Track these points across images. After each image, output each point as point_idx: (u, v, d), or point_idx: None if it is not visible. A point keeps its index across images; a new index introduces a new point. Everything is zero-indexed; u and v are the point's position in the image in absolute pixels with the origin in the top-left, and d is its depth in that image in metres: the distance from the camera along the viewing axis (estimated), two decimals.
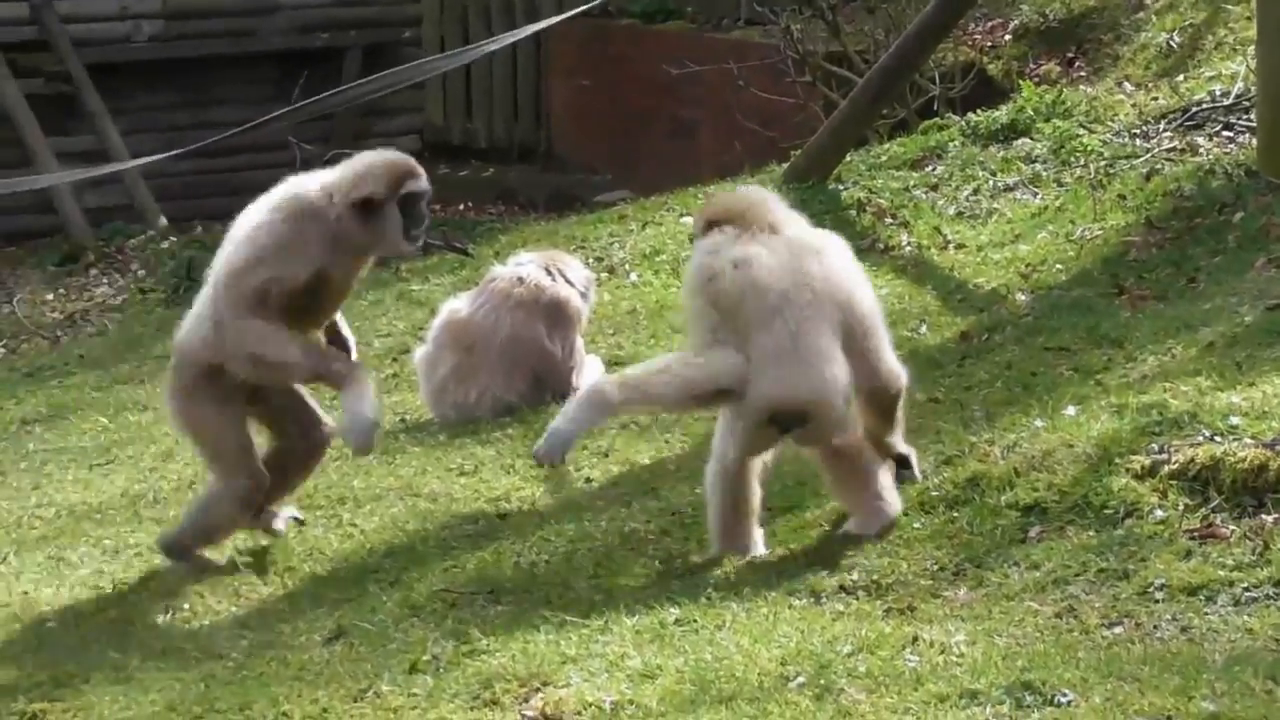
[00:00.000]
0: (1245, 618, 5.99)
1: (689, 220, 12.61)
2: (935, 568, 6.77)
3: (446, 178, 17.23)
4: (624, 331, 10.85)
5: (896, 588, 6.64)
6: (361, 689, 6.21)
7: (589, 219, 13.71)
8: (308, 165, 8.55)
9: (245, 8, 18.96)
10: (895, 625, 6.21)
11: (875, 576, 6.74)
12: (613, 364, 10.11)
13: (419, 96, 18.52)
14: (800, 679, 5.74)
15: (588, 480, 8.65)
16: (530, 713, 5.83)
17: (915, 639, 6.01)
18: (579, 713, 5.75)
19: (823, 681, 5.68)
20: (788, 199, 12.29)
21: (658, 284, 11.83)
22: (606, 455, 8.92)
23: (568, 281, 9.79)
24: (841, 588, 6.69)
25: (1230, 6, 13.42)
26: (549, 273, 9.78)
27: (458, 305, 9.91)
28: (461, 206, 17.34)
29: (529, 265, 9.84)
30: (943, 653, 5.87)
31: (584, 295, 9.86)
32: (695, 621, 6.44)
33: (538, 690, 5.97)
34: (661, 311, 11.14)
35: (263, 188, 7.70)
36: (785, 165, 12.99)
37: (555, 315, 9.75)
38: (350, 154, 7.85)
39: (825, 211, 12.28)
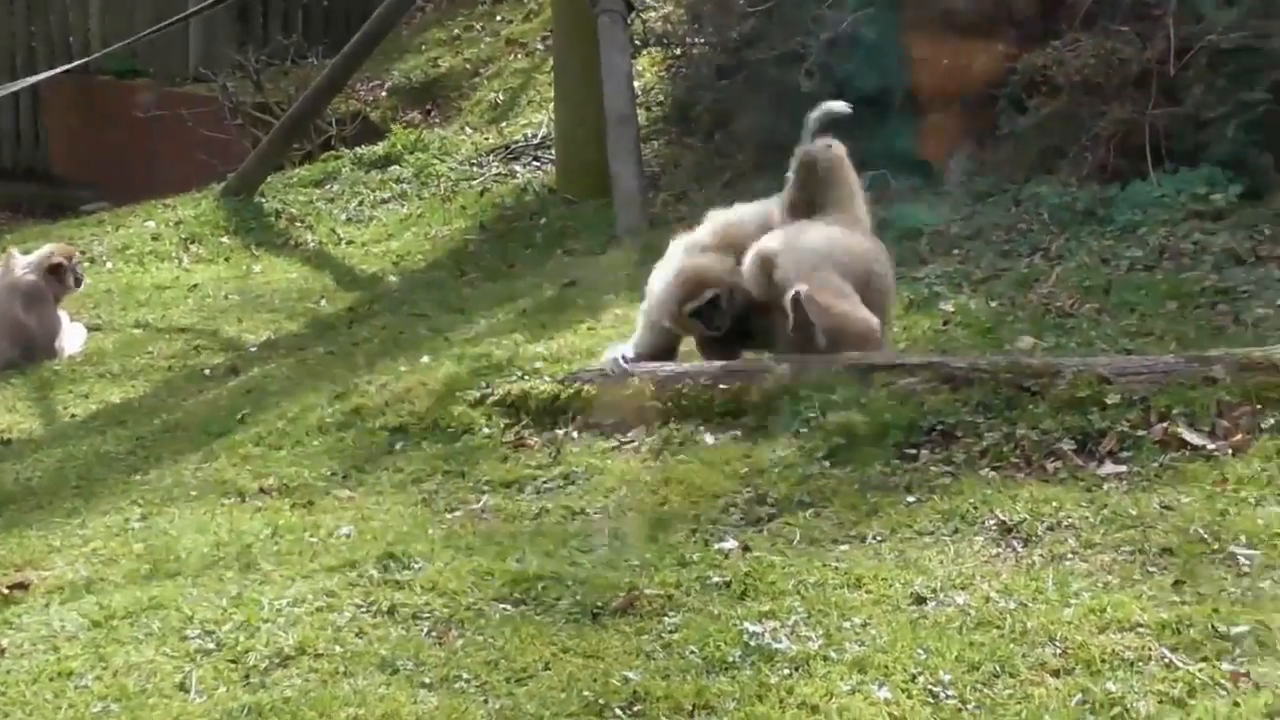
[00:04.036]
0: (544, 501, 6.07)
1: (151, 224, 12.30)
2: (329, 473, 6.68)
3: None
4: (101, 306, 10.50)
5: (301, 489, 6.53)
6: None
7: (76, 223, 13.24)
8: None
9: None
10: (300, 516, 6.13)
11: (285, 480, 6.62)
12: (92, 329, 9.82)
13: None
14: (229, 557, 5.67)
15: (72, 415, 8.37)
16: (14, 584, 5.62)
17: (315, 525, 5.97)
18: (60, 588, 5.55)
19: (245, 559, 5.60)
20: (225, 210, 12.22)
21: (127, 271, 11.49)
22: (86, 396, 8.65)
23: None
24: (261, 489, 6.57)
25: (537, 75, 13.63)
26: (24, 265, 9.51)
27: None
28: None
29: (17, 260, 9.52)
30: (331, 535, 5.83)
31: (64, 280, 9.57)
32: (153, 518, 6.30)
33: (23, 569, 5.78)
34: (129, 291, 10.82)
35: None
36: (223, 184, 12.75)
37: (29, 297, 9.41)
38: None
39: (252, 218, 12.13)
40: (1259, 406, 5.77)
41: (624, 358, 6.81)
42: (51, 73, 13.06)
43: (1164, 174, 8.55)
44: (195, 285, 10.76)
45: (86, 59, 13.38)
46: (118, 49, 13.34)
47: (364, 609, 5.02)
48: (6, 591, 5.54)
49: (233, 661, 4.72)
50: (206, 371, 8.80)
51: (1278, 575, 4.84)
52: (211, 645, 4.81)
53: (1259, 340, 6.56)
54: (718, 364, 6.73)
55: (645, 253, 7.80)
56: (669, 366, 6.81)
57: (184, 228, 12.13)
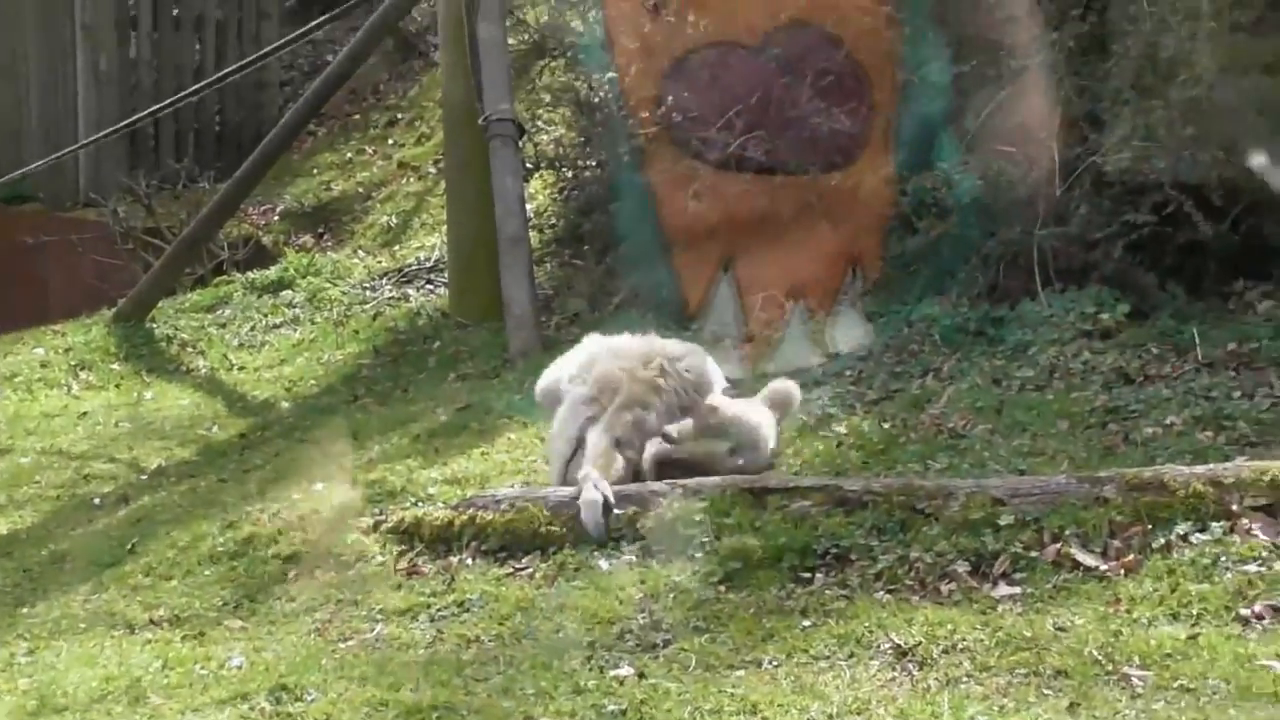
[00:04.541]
0: (438, 629, 6.02)
1: (40, 351, 12.17)
2: (220, 603, 6.61)
3: None
4: None
5: (192, 619, 6.45)
6: None
7: None
8: None
9: None
10: (190, 648, 6.05)
11: (176, 611, 6.54)
12: None
13: None
14: (118, 691, 5.57)
15: None
16: None
17: (207, 657, 5.89)
18: None
19: (134, 693, 5.51)
20: (115, 336, 12.11)
21: (15, 399, 11.32)
22: None
23: None
24: (151, 621, 6.49)
25: (430, 198, 13.67)
26: None
27: None
28: None
29: None
30: (223, 666, 5.75)
31: None
32: (39, 652, 6.19)
33: None
34: (17, 419, 10.68)
35: None
36: (113, 310, 12.65)
37: None
38: None
39: (144, 343, 12.00)
40: (1149, 526, 5.85)
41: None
42: None
43: (1053, 294, 8.67)
44: (85, 413, 10.63)
45: None
46: (9, 179, 13.27)
47: None
48: None
49: None
50: (96, 500, 8.67)
51: (1170, 696, 4.88)
52: None
53: (1149, 460, 6.65)
54: (612, 489, 6.72)
55: (539, 375, 7.81)
56: (561, 491, 6.81)
57: (74, 354, 12.00)
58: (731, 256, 9.75)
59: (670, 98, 9.93)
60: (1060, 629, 5.36)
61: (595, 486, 6.63)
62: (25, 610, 6.87)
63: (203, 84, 12.55)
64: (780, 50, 9.81)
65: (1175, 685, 4.92)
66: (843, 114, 9.66)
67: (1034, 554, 5.86)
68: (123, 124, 12.15)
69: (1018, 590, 5.70)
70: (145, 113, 12.40)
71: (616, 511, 6.55)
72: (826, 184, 9.58)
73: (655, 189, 9.88)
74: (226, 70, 12.76)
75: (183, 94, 12.12)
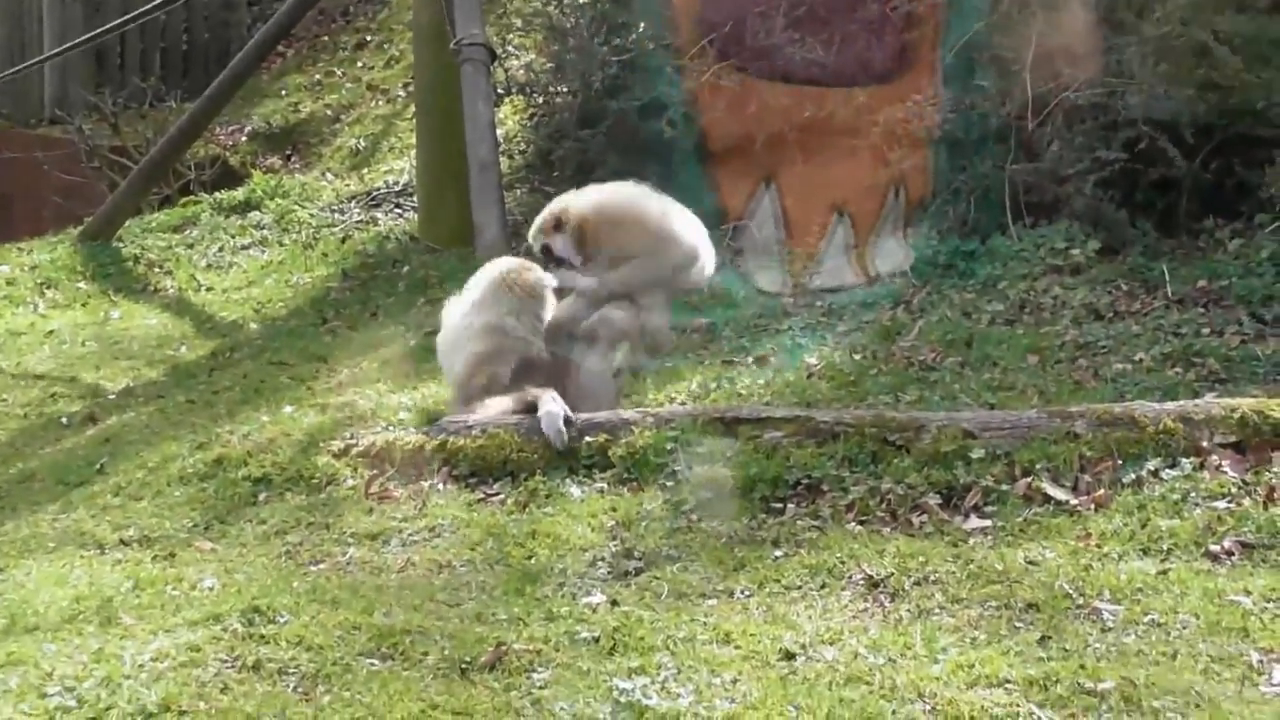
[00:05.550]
0: (409, 554, 5.98)
1: (5, 268, 12.04)
2: (190, 524, 6.55)
3: None
4: None
5: (162, 540, 6.39)
6: None
7: None
8: None
9: None
10: (161, 569, 5.97)
11: (146, 532, 6.47)
12: None
13: None
14: (89, 611, 5.52)
15: None
16: None
17: (178, 578, 5.83)
18: None
19: (106, 613, 5.45)
20: (82, 255, 12.00)
21: None
22: None
23: None
24: (121, 541, 6.42)
25: (399, 122, 13.57)
26: None
27: None
28: None
29: None
30: (194, 588, 5.69)
31: None
32: (9, 571, 6.12)
33: None
34: None
35: None
36: (80, 229, 12.53)
37: None
38: None
39: (110, 263, 11.92)
40: (1120, 462, 5.86)
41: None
42: None
43: (1023, 229, 8.66)
44: (51, 331, 10.54)
45: None
46: None
47: (229, 664, 4.90)
48: None
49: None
50: (64, 420, 8.61)
51: (1141, 630, 4.89)
52: (72, 703, 4.66)
53: (1118, 395, 6.66)
54: (582, 416, 6.71)
55: None
56: (533, 419, 6.77)
57: (39, 272, 11.90)
58: (774, 170, 9.64)
59: (726, 26, 9.84)
60: (1031, 562, 5.36)
61: (554, 400, 6.67)
62: None
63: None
64: None
65: (1145, 619, 4.93)
66: (890, 27, 9.57)
67: (1005, 487, 5.87)
68: (87, 37, 11.97)
69: (989, 523, 5.72)
70: (109, 25, 12.24)
71: (588, 439, 6.53)
72: (874, 98, 9.48)
73: (697, 99, 9.78)
74: None
75: (148, 8, 11.94)
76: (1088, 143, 8.61)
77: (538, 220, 7.53)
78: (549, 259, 7.46)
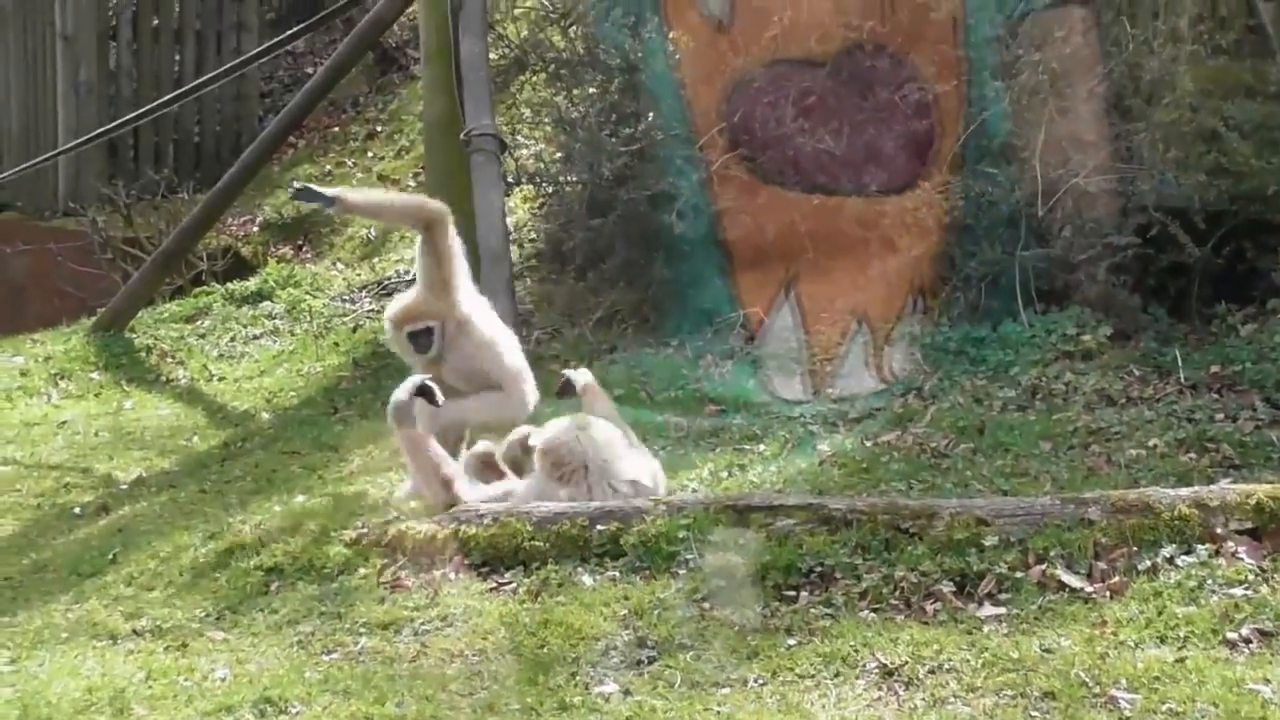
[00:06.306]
0: (422, 643, 5.94)
1: (19, 359, 12.09)
2: (203, 614, 6.53)
3: None
4: None
5: (175, 630, 6.37)
6: None
7: None
8: None
9: None
10: (174, 659, 5.97)
11: (158, 622, 6.45)
12: None
13: None
14: (102, 702, 5.50)
15: None
16: None
17: (190, 668, 5.83)
18: None
19: (119, 704, 5.45)
20: (95, 345, 12.04)
21: None
22: None
23: None
24: (133, 631, 6.41)
25: None
26: None
27: None
28: None
29: None
30: (206, 678, 5.69)
31: None
32: (22, 662, 6.11)
33: None
34: None
35: None
36: (93, 320, 12.58)
37: None
38: None
39: (122, 354, 11.94)
40: (1134, 548, 5.85)
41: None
42: None
43: (1035, 315, 8.67)
44: (64, 422, 10.56)
45: None
46: None
47: None
48: None
49: None
50: (77, 510, 8.60)
51: (1159, 719, 4.87)
52: None
53: (1132, 482, 6.65)
54: (594, 505, 6.70)
55: None
56: (545, 507, 6.77)
57: (53, 363, 11.93)
58: (795, 276, 9.65)
59: (736, 116, 9.90)
60: (1046, 650, 5.34)
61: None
62: (6, 619, 6.79)
63: (181, 92, 12.48)
64: (846, 71, 9.77)
65: (1164, 709, 4.91)
66: (906, 135, 9.62)
67: (1019, 574, 5.85)
68: (100, 131, 12.07)
69: (1003, 611, 5.69)
70: (123, 119, 12.33)
71: (599, 527, 6.51)
72: (891, 206, 9.51)
73: (718, 207, 9.81)
74: (204, 78, 12.68)
75: (160, 102, 12.05)
76: (1099, 229, 8.65)
77: None
78: None
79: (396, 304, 7.70)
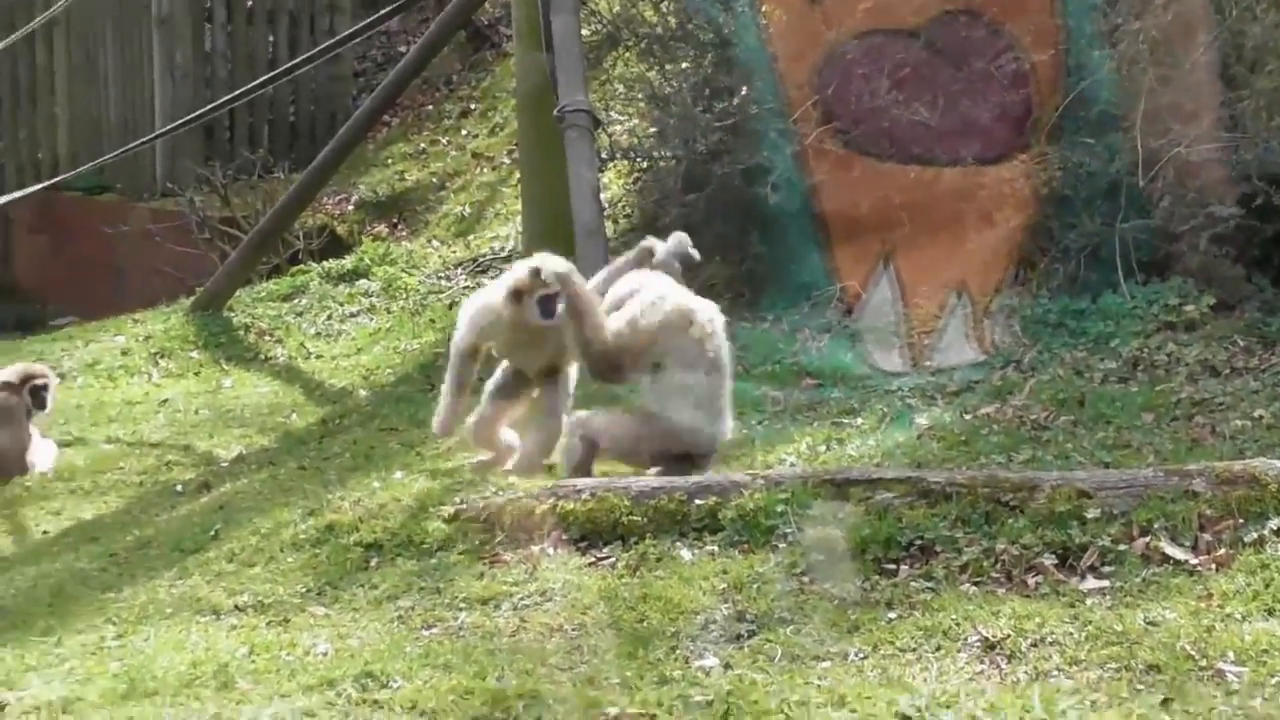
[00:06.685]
0: (521, 618, 5.95)
1: (121, 339, 12.24)
2: (303, 590, 6.56)
3: None
4: (71, 421, 10.39)
5: (276, 606, 6.41)
6: None
7: (45, 338, 13.19)
8: None
9: None
10: (276, 634, 6.01)
11: (260, 598, 6.49)
12: (63, 444, 9.73)
13: None
14: (206, 676, 5.56)
15: (44, 532, 8.27)
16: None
17: (292, 644, 5.87)
18: (37, 709, 5.39)
19: (222, 678, 5.50)
20: (194, 325, 12.18)
21: (97, 386, 11.42)
22: (58, 513, 8.55)
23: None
24: (236, 607, 6.46)
25: (503, 189, 13.67)
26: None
27: None
28: None
29: None
30: (308, 653, 5.73)
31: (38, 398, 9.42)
32: (128, 636, 6.19)
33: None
34: (100, 406, 10.74)
35: None
36: (191, 299, 12.72)
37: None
38: None
39: (221, 332, 12.08)
40: (1240, 520, 5.77)
41: None
42: (21, 193, 13.08)
43: (1135, 286, 8.58)
44: (165, 400, 10.69)
45: (55, 179, 13.42)
46: (86, 170, 13.37)
47: None
48: None
49: None
50: (178, 487, 8.70)
51: (1267, 693, 4.80)
52: None
53: (1237, 453, 6.57)
54: (693, 479, 6.69)
55: None
56: (643, 481, 6.77)
57: (153, 342, 12.08)
58: (892, 249, 9.60)
59: (829, 89, 9.86)
60: (1151, 623, 5.28)
61: None
62: (112, 595, 6.87)
63: (275, 74, 12.57)
64: (941, 41, 9.70)
65: (1272, 681, 4.84)
66: (1003, 105, 9.54)
67: (1122, 547, 5.78)
68: (196, 114, 12.19)
69: (1106, 584, 5.62)
70: (219, 102, 12.44)
71: (698, 502, 6.50)
72: (989, 177, 9.44)
73: (813, 181, 9.78)
74: (298, 59, 12.77)
75: (256, 85, 12.14)
76: (1200, 199, 8.54)
77: None
78: None
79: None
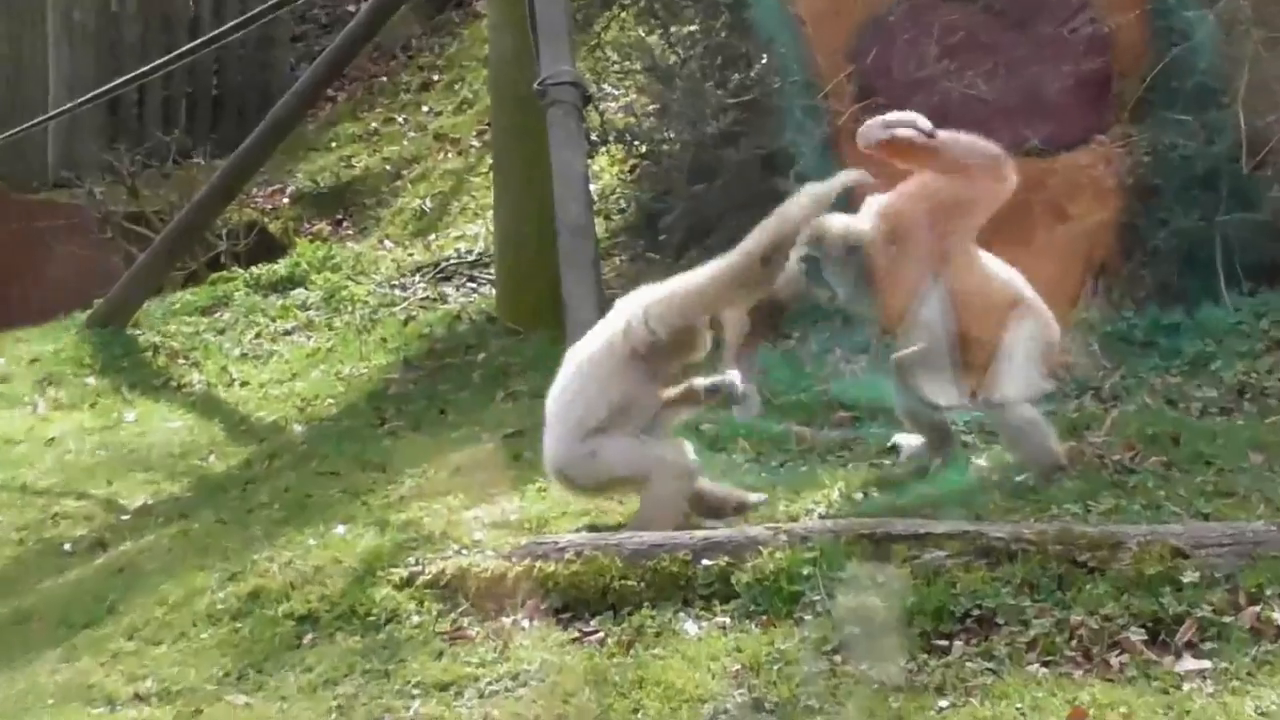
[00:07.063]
0: (488, 708, 5.96)
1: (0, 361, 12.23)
2: (220, 674, 6.58)
3: None
4: None
5: (186, 693, 6.43)
6: None
7: None
8: None
9: None
10: None
11: (166, 684, 6.52)
12: None
13: None
14: None
15: None
16: None
17: None
18: None
19: None
20: (91, 344, 12.15)
21: None
22: None
23: None
24: (136, 695, 6.48)
25: (472, 178, 13.68)
26: None
27: None
28: None
29: None
30: None
31: None
32: None
33: None
34: None
35: None
36: (88, 313, 12.70)
37: None
38: None
39: (124, 355, 12.10)
40: None
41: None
42: None
43: (1240, 296, 8.58)
44: (53, 438, 10.70)
45: None
46: None
47: None
48: None
49: None
50: (67, 546, 8.73)
51: None
52: None
53: None
54: (699, 534, 6.67)
55: None
56: (639, 538, 6.74)
57: (40, 366, 12.09)
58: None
59: (868, 58, 9.84)
60: (1263, 714, 5.27)
61: None
62: None
63: (198, 41, 12.55)
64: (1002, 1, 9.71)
65: None
66: (1077, 78, 9.53)
67: (1226, 619, 5.76)
68: (100, 91, 12.17)
69: (1208, 664, 5.61)
70: (129, 75, 12.41)
71: (705, 563, 6.48)
72: (1060, 164, 9.41)
73: (834, 147, 9.77)
74: (227, 26, 12.75)
75: (174, 54, 12.13)
76: None
77: None
78: None
79: None
